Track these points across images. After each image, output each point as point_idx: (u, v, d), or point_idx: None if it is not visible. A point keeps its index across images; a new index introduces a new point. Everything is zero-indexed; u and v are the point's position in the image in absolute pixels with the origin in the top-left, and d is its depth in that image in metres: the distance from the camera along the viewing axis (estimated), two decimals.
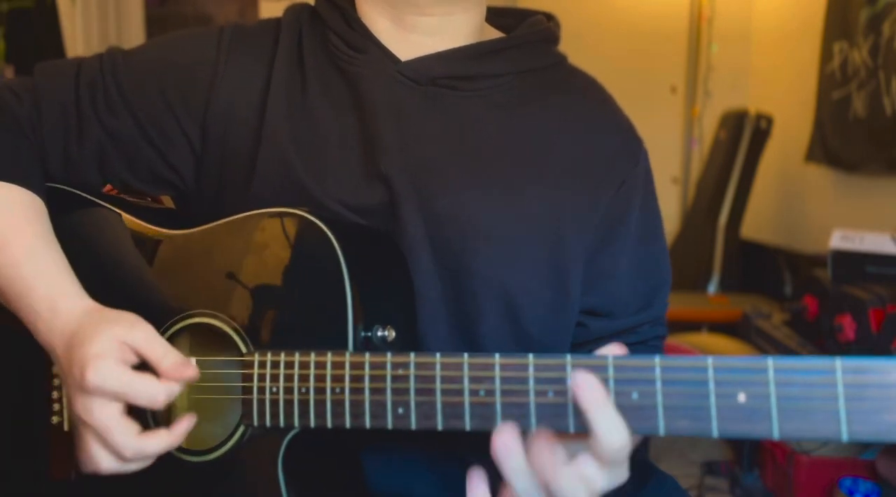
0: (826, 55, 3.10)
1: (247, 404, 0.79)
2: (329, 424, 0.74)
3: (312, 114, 0.90)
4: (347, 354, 0.74)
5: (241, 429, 0.80)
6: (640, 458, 0.93)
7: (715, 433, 0.61)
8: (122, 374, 0.75)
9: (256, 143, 0.89)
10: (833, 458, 2.07)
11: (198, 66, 0.92)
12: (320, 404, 0.74)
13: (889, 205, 2.72)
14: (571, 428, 0.65)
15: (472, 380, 0.68)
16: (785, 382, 0.59)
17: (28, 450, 0.92)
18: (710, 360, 0.61)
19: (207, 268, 0.85)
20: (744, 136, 3.37)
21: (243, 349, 0.81)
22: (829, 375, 0.58)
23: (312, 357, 0.75)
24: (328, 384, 0.74)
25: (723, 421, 0.61)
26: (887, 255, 2.12)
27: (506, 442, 0.65)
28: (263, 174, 0.88)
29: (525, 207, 0.88)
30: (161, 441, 0.77)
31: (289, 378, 0.76)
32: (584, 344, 0.95)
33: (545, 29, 0.96)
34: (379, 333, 0.79)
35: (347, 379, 0.73)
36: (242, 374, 0.79)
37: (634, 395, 0.63)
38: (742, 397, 0.60)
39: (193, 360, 0.79)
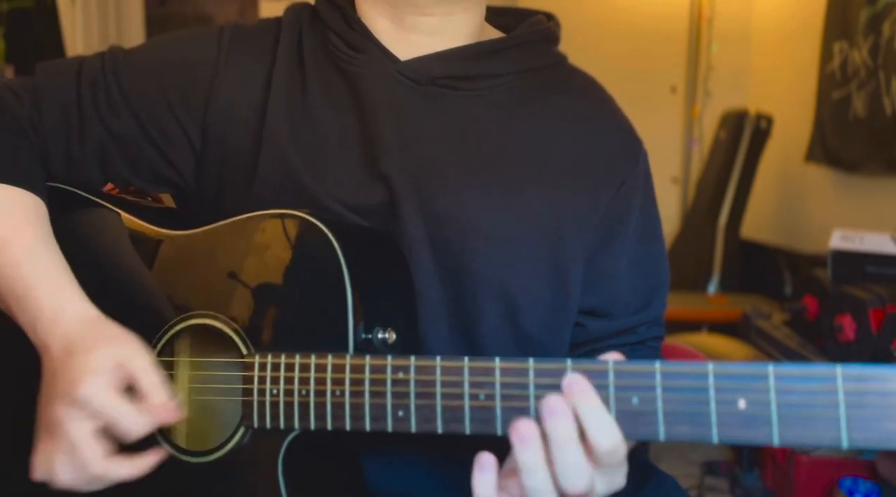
0: (826, 55, 3.10)
1: (247, 406, 0.79)
2: (329, 427, 0.74)
3: (312, 114, 0.90)
4: (348, 357, 0.74)
5: (242, 430, 0.80)
6: (640, 458, 0.93)
7: (715, 439, 0.61)
8: (110, 397, 0.75)
9: (257, 143, 0.89)
10: (833, 458, 2.07)
11: (198, 66, 0.92)
12: (320, 407, 0.74)
13: (889, 205, 2.72)
14: None
15: (473, 384, 0.68)
16: (785, 389, 0.59)
17: (28, 450, 0.92)
18: (710, 367, 0.61)
19: (208, 269, 0.85)
20: (744, 136, 3.37)
21: (244, 351, 0.81)
22: (829, 383, 0.58)
23: (313, 359, 0.75)
24: (328, 387, 0.74)
25: (723, 427, 0.61)
26: (887, 255, 2.12)
27: (525, 432, 0.64)
28: (264, 174, 0.88)
29: (525, 207, 0.88)
30: (125, 469, 0.77)
31: (289, 380, 0.76)
32: (582, 344, 0.95)
33: (545, 29, 0.96)
34: (380, 335, 0.79)
35: (348, 382, 0.73)
36: (243, 375, 0.79)
37: (634, 401, 0.63)
38: (742, 404, 0.60)
39: (177, 400, 0.78)
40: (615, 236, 0.92)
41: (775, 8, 3.70)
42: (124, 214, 0.93)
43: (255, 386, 0.78)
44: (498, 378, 0.67)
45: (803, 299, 2.36)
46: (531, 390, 0.66)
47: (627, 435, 0.64)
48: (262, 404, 0.78)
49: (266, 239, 0.83)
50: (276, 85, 0.90)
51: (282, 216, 0.82)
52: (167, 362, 0.88)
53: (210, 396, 0.87)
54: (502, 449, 0.69)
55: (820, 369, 0.58)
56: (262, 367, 0.78)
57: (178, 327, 0.85)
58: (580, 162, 0.91)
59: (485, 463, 0.66)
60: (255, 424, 0.78)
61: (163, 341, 0.86)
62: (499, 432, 0.68)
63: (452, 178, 0.87)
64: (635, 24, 3.87)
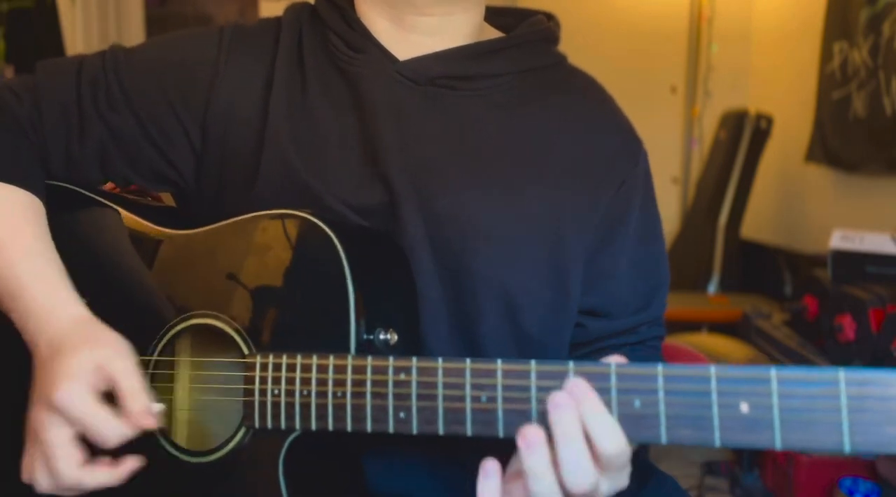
0: (826, 55, 3.10)
1: (248, 406, 0.79)
2: (330, 427, 0.74)
3: (313, 114, 0.90)
4: (350, 358, 0.74)
5: (242, 430, 0.80)
6: (641, 458, 0.93)
7: (717, 443, 0.61)
8: (87, 403, 0.74)
9: (259, 143, 0.89)
10: (833, 458, 2.07)
11: (198, 66, 0.92)
12: (322, 408, 0.74)
13: (889, 205, 2.72)
14: None
15: (474, 386, 0.68)
16: (788, 393, 0.59)
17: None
18: (712, 370, 0.61)
19: (210, 268, 0.85)
20: (744, 136, 3.37)
21: (245, 351, 0.80)
22: (832, 387, 0.58)
23: (314, 360, 0.75)
24: (330, 388, 0.74)
25: (725, 431, 0.61)
26: (887, 255, 2.12)
27: (532, 437, 0.64)
28: (266, 174, 0.88)
29: (525, 207, 0.88)
30: (100, 478, 0.76)
31: (290, 381, 0.76)
32: (582, 344, 0.95)
33: (545, 28, 0.96)
34: (381, 336, 0.79)
35: (349, 383, 0.73)
36: (244, 375, 0.79)
37: (637, 404, 0.63)
38: (744, 407, 0.60)
39: (156, 407, 0.78)
40: (615, 236, 0.92)
41: (775, 8, 3.70)
42: (126, 213, 0.93)
43: (257, 386, 0.78)
44: (500, 380, 0.67)
45: (803, 299, 2.36)
46: (533, 393, 0.66)
47: (629, 438, 0.64)
48: (263, 404, 0.77)
49: (268, 239, 0.83)
50: (277, 85, 0.90)
51: (284, 216, 0.82)
52: (168, 362, 0.88)
53: (211, 396, 0.87)
54: (504, 449, 0.69)
55: (822, 373, 0.58)
56: (264, 367, 0.78)
57: (179, 327, 0.85)
58: (580, 162, 0.91)
59: (489, 470, 0.66)
60: (256, 424, 0.78)
61: (164, 341, 0.86)
62: (500, 434, 0.68)
63: (452, 178, 0.87)
64: (635, 24, 3.87)
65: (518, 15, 0.99)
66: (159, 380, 0.87)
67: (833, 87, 3.04)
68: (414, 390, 0.70)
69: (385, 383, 0.71)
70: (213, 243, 0.86)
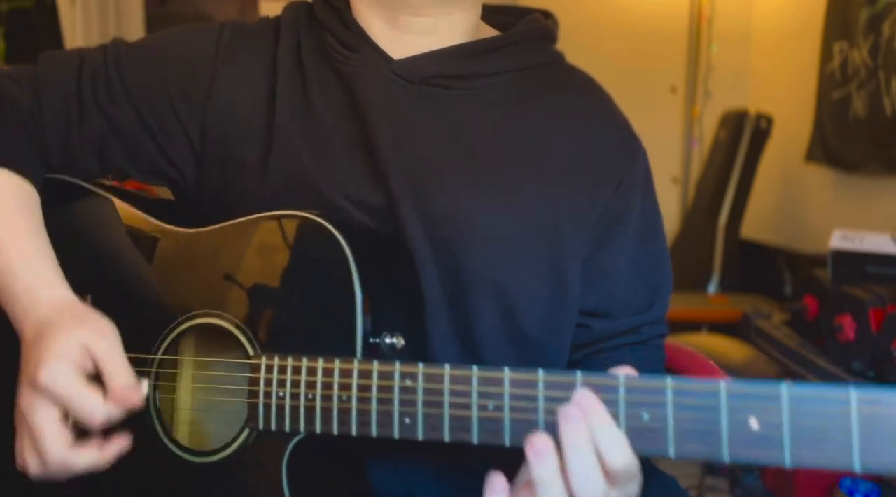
0: (826, 55, 3.10)
1: (252, 408, 0.78)
2: (335, 431, 0.74)
3: (315, 114, 0.90)
4: (356, 362, 0.73)
5: (246, 431, 0.80)
6: (641, 458, 0.93)
7: (726, 458, 0.60)
8: (71, 382, 0.75)
9: (265, 142, 0.89)
10: None
11: (198, 62, 0.92)
12: (327, 411, 0.74)
13: (889, 205, 2.72)
14: None
15: (482, 394, 0.68)
16: (798, 411, 0.58)
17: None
18: (722, 385, 0.60)
19: (215, 268, 0.85)
20: (744, 136, 3.37)
21: (250, 351, 0.80)
22: (843, 406, 0.57)
23: (320, 363, 0.75)
24: (335, 392, 0.74)
25: (734, 446, 0.60)
26: (887, 255, 2.12)
27: (541, 446, 0.64)
28: (274, 173, 0.88)
29: (522, 206, 0.88)
30: (88, 459, 0.76)
31: (295, 383, 0.76)
32: (586, 345, 0.95)
33: (542, 27, 0.96)
34: (387, 340, 0.78)
35: (355, 387, 0.73)
36: (249, 377, 0.79)
37: (645, 417, 0.63)
38: (755, 424, 0.59)
39: (144, 386, 0.78)
40: (613, 235, 0.92)
41: (775, 8, 3.70)
42: (134, 210, 0.93)
43: (262, 388, 0.78)
44: (507, 389, 0.67)
45: (803, 299, 2.36)
46: (540, 403, 0.66)
47: (637, 451, 0.63)
48: (267, 406, 0.77)
49: (275, 240, 0.82)
50: (281, 84, 0.91)
51: (291, 217, 0.81)
52: (172, 361, 0.88)
53: (214, 396, 0.87)
54: (509, 456, 0.68)
55: (834, 392, 0.58)
56: (269, 369, 0.77)
57: (183, 326, 0.85)
58: (578, 160, 0.91)
59: (496, 486, 0.65)
60: (261, 426, 0.78)
61: (168, 339, 0.86)
62: (507, 443, 0.67)
63: (448, 178, 0.87)
64: (635, 24, 3.87)
65: (516, 13, 0.99)
66: (163, 378, 0.87)
67: (833, 87, 3.04)
68: (420, 397, 0.70)
69: (391, 389, 0.71)
70: (219, 242, 0.86)
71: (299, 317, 0.80)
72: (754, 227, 3.58)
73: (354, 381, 0.73)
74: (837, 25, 3.01)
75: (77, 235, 0.92)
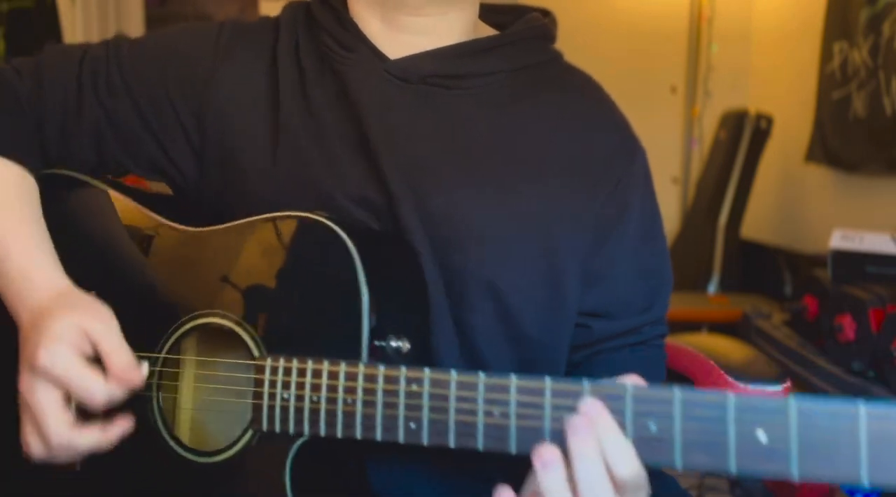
0: (826, 55, 3.10)
1: (257, 409, 0.78)
2: (339, 435, 0.73)
3: (315, 113, 0.90)
4: (361, 365, 0.73)
5: (250, 432, 0.80)
6: None
7: (733, 470, 0.60)
8: (70, 362, 0.75)
9: (268, 140, 0.90)
10: None
11: (197, 59, 0.93)
12: (331, 414, 0.74)
13: (889, 205, 2.72)
14: None
15: (487, 400, 0.67)
16: (807, 424, 0.58)
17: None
18: (731, 397, 0.60)
19: (221, 267, 0.85)
20: (744, 136, 3.37)
21: (255, 352, 0.80)
22: (851, 420, 0.57)
23: (325, 366, 0.74)
24: (340, 395, 0.73)
25: (741, 459, 0.60)
26: (887, 255, 2.12)
27: (548, 457, 0.64)
28: (278, 171, 0.89)
29: (518, 206, 0.88)
30: (91, 439, 0.77)
31: (300, 386, 0.76)
32: (586, 345, 0.94)
33: (540, 25, 0.96)
34: (393, 343, 0.78)
35: (360, 391, 0.72)
36: (254, 378, 0.79)
37: (652, 427, 0.62)
38: (762, 436, 0.59)
39: (145, 366, 0.79)
40: (612, 236, 0.92)
41: (775, 8, 3.70)
42: (141, 207, 0.93)
43: (266, 389, 0.77)
44: (513, 396, 0.67)
45: (803, 299, 2.36)
46: (547, 410, 0.66)
47: (643, 461, 0.63)
48: (271, 408, 0.77)
49: (282, 241, 0.82)
50: (283, 83, 0.91)
51: (297, 218, 0.81)
52: (176, 360, 0.88)
53: (218, 397, 0.87)
54: (515, 461, 0.68)
55: (843, 406, 0.57)
56: (274, 370, 0.77)
57: (188, 325, 0.85)
58: (575, 160, 0.91)
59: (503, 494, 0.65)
60: (265, 428, 0.78)
61: (172, 338, 0.86)
62: (513, 451, 0.67)
63: (445, 178, 0.87)
64: (635, 24, 3.86)
65: (515, 13, 0.99)
66: (165, 377, 0.87)
67: (833, 87, 3.04)
68: (426, 402, 0.69)
69: (396, 393, 0.71)
70: (225, 242, 0.86)
71: (305, 319, 0.80)
72: (754, 227, 3.58)
73: (360, 384, 0.72)
74: (837, 25, 3.01)
75: (83, 232, 0.93)
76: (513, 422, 0.67)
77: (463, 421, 0.68)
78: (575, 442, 0.63)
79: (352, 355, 0.75)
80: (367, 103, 0.88)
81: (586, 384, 0.65)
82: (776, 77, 3.65)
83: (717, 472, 0.61)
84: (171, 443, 0.84)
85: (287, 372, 0.77)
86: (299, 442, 0.77)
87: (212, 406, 0.88)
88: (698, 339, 2.74)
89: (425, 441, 0.70)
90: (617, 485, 0.64)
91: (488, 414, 0.67)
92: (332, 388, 0.74)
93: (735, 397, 0.60)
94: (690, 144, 3.91)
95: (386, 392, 0.71)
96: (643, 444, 0.63)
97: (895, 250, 2.11)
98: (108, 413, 0.79)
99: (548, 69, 0.95)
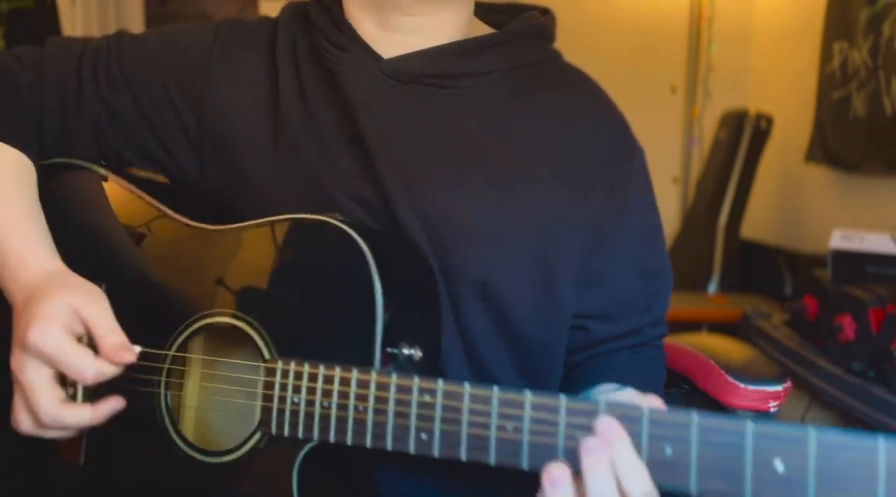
0: (826, 55, 3.09)
1: (266, 412, 0.78)
2: (349, 442, 0.73)
3: (313, 113, 0.90)
4: (374, 373, 0.72)
5: (258, 435, 0.79)
6: None
7: None
8: (60, 340, 0.76)
9: (269, 138, 0.90)
10: None
11: (196, 57, 0.94)
12: (342, 421, 0.73)
13: (889, 205, 2.72)
14: None
15: (501, 415, 0.67)
16: (825, 455, 0.58)
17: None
18: (750, 425, 0.60)
19: (233, 268, 0.85)
20: (744, 136, 3.37)
21: (266, 354, 0.80)
22: (870, 454, 0.56)
23: (337, 372, 0.74)
24: (351, 401, 0.73)
25: (757, 487, 0.59)
26: (887, 255, 2.12)
27: (556, 475, 0.64)
28: (279, 169, 0.89)
29: (512, 206, 0.87)
30: (80, 415, 0.78)
31: (311, 390, 0.75)
32: (585, 347, 0.94)
33: (538, 24, 0.95)
34: (405, 351, 0.78)
35: (371, 399, 0.72)
36: (264, 380, 0.78)
37: (668, 451, 0.62)
38: (779, 466, 0.59)
39: (138, 348, 0.79)
40: (610, 236, 0.91)
41: (775, 8, 3.69)
42: (157, 203, 0.93)
43: (276, 392, 0.77)
44: (528, 411, 0.66)
45: (803, 299, 2.35)
46: (561, 428, 0.65)
47: (657, 484, 0.63)
48: (281, 412, 0.77)
49: (296, 243, 0.82)
50: (283, 82, 0.91)
51: (312, 221, 0.81)
52: (185, 358, 0.88)
53: (227, 397, 0.87)
54: (526, 476, 0.68)
55: (862, 440, 0.57)
56: (285, 373, 0.77)
57: (199, 323, 0.85)
58: (573, 160, 0.90)
59: None
60: (273, 431, 0.77)
61: (182, 336, 0.86)
62: (525, 467, 0.67)
63: (439, 177, 0.87)
64: (635, 24, 3.86)
65: (513, 12, 0.99)
66: (174, 375, 0.87)
67: (833, 87, 3.03)
68: (438, 413, 0.69)
69: (409, 403, 0.70)
70: (238, 242, 0.86)
71: (317, 323, 0.79)
72: (754, 227, 3.58)
73: (372, 392, 0.72)
74: (837, 25, 3.01)
75: (96, 224, 0.93)
76: (525, 438, 0.66)
77: (475, 434, 0.68)
78: (588, 462, 0.63)
79: (363, 361, 0.75)
80: (361, 103, 0.88)
81: (602, 404, 0.64)
82: (776, 77, 3.65)
83: None
84: (178, 441, 0.84)
85: (298, 376, 0.76)
86: (308, 447, 0.77)
87: (219, 406, 0.88)
88: (698, 339, 2.74)
89: (436, 453, 0.69)
90: None
91: (501, 428, 0.67)
92: (344, 395, 0.73)
93: (754, 424, 0.60)
94: (690, 144, 3.91)
95: (398, 401, 0.71)
96: (658, 468, 0.62)
97: (895, 250, 2.11)
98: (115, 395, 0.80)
99: (545, 68, 0.95)
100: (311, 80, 0.91)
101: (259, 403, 0.79)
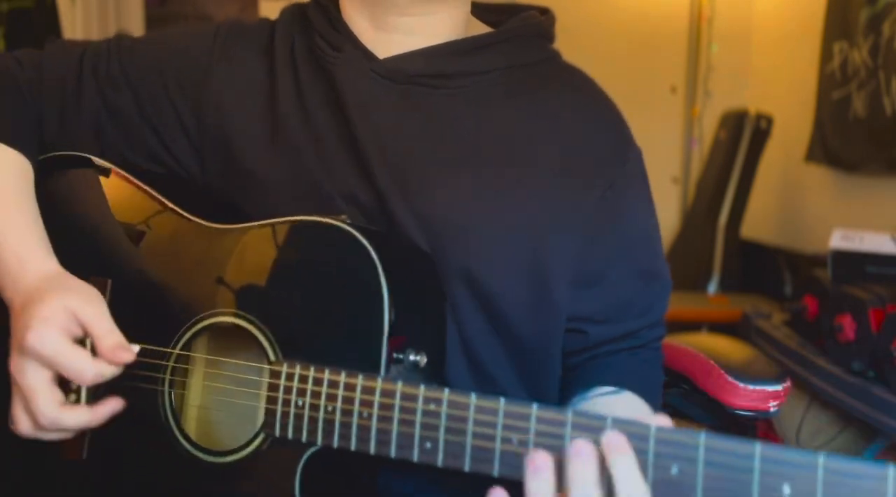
0: (826, 55, 3.09)
1: (270, 414, 0.78)
2: (353, 447, 0.73)
3: (310, 113, 0.90)
4: (379, 379, 0.72)
5: (262, 436, 0.79)
6: None
7: None
8: (58, 342, 0.76)
9: (268, 138, 0.90)
10: None
11: (196, 57, 0.94)
12: (346, 426, 0.73)
13: (889, 205, 2.72)
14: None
15: (506, 427, 0.66)
16: (834, 482, 0.57)
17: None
18: (758, 448, 0.59)
19: (240, 268, 0.85)
20: (744, 136, 3.37)
21: (271, 356, 0.80)
22: (879, 483, 0.56)
23: (342, 377, 0.73)
24: (356, 407, 0.72)
25: None
26: (887, 255, 2.12)
27: (540, 462, 0.63)
28: (278, 170, 0.89)
29: (507, 205, 0.87)
30: (79, 417, 0.78)
31: (316, 394, 0.75)
32: (584, 350, 0.94)
33: (536, 23, 0.95)
34: (411, 357, 0.77)
35: (376, 406, 0.71)
36: (269, 382, 0.78)
37: (674, 470, 0.61)
38: (787, 491, 0.58)
39: (136, 347, 0.79)
40: (606, 237, 0.91)
41: (775, 8, 3.69)
42: (165, 200, 0.92)
43: (281, 395, 0.77)
44: (533, 424, 0.66)
45: (803, 299, 2.35)
46: (566, 443, 0.64)
47: None
48: (285, 414, 0.76)
49: (302, 244, 0.82)
50: (281, 83, 0.91)
51: (319, 223, 0.81)
52: (188, 357, 0.88)
53: (231, 398, 0.87)
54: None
55: (871, 468, 0.56)
56: (290, 376, 0.77)
57: (203, 323, 0.85)
58: (569, 159, 0.90)
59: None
60: (277, 434, 0.77)
61: (187, 336, 0.86)
62: None
63: (433, 177, 0.87)
64: (635, 24, 3.86)
65: (511, 11, 0.98)
66: (177, 374, 0.87)
67: (833, 87, 3.03)
68: (443, 423, 0.68)
69: (413, 410, 0.70)
70: (245, 242, 0.86)
71: (324, 325, 0.79)
72: (754, 227, 3.58)
73: (377, 398, 0.71)
74: (837, 25, 3.01)
75: (101, 220, 0.93)
76: (531, 450, 0.65)
77: (480, 446, 0.67)
78: (575, 467, 0.62)
79: (369, 365, 0.74)
80: (355, 103, 0.88)
81: (609, 419, 0.64)
82: (776, 77, 3.65)
83: None
84: (182, 440, 0.84)
85: (303, 379, 0.76)
86: (311, 450, 0.76)
87: (222, 406, 0.87)
88: (698, 339, 2.74)
89: (440, 462, 0.69)
90: None
91: (506, 441, 0.66)
92: (348, 400, 0.73)
93: (762, 447, 0.59)
94: (690, 144, 3.91)
95: (403, 408, 0.70)
96: (663, 486, 0.61)
97: (895, 250, 2.11)
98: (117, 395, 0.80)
99: (544, 68, 0.95)
100: (309, 81, 0.91)
101: (263, 405, 0.79)
